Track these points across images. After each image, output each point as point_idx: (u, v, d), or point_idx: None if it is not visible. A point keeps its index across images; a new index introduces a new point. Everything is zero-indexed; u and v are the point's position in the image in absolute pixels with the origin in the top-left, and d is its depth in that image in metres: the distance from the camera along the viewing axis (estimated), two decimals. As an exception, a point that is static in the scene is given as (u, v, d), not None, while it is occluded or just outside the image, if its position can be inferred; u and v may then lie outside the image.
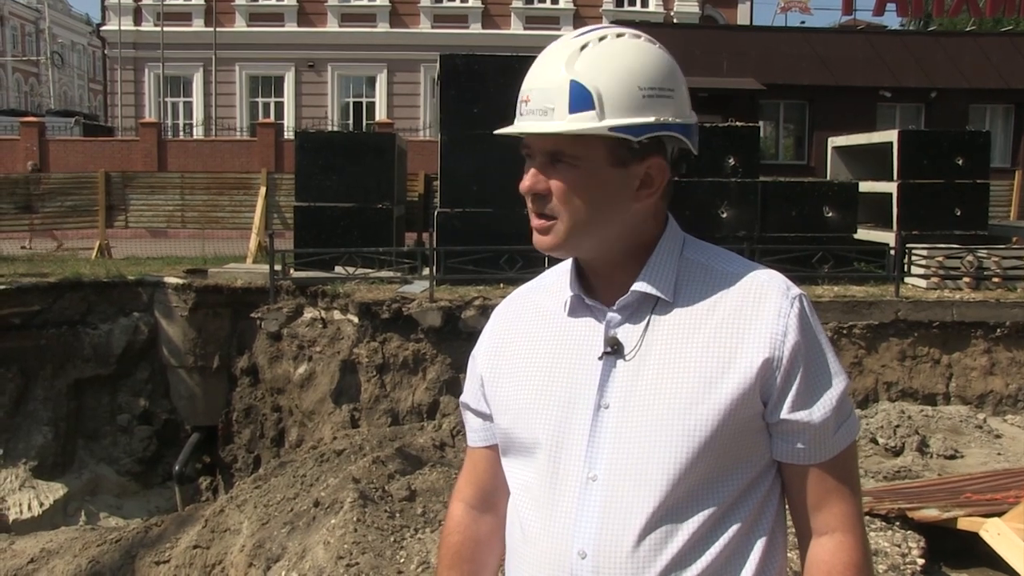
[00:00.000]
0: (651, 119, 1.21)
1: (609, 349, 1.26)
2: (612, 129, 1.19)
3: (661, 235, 1.31)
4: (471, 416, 1.46)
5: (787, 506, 1.33)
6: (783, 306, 1.24)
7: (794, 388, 1.23)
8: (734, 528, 1.23)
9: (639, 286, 1.27)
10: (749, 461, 1.25)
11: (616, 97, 1.20)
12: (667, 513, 1.21)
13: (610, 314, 1.28)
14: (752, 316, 1.24)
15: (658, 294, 1.26)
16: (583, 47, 1.22)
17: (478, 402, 1.43)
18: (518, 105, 1.26)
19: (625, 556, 1.21)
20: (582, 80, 1.20)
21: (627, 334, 1.27)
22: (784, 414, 1.23)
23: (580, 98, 1.19)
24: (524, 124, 1.24)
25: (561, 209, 1.24)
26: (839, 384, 1.26)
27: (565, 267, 1.36)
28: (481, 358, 1.43)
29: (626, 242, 1.28)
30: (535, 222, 1.27)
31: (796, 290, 1.27)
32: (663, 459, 1.20)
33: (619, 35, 1.24)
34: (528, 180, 1.26)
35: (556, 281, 1.37)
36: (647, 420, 1.22)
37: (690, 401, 1.21)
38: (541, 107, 1.22)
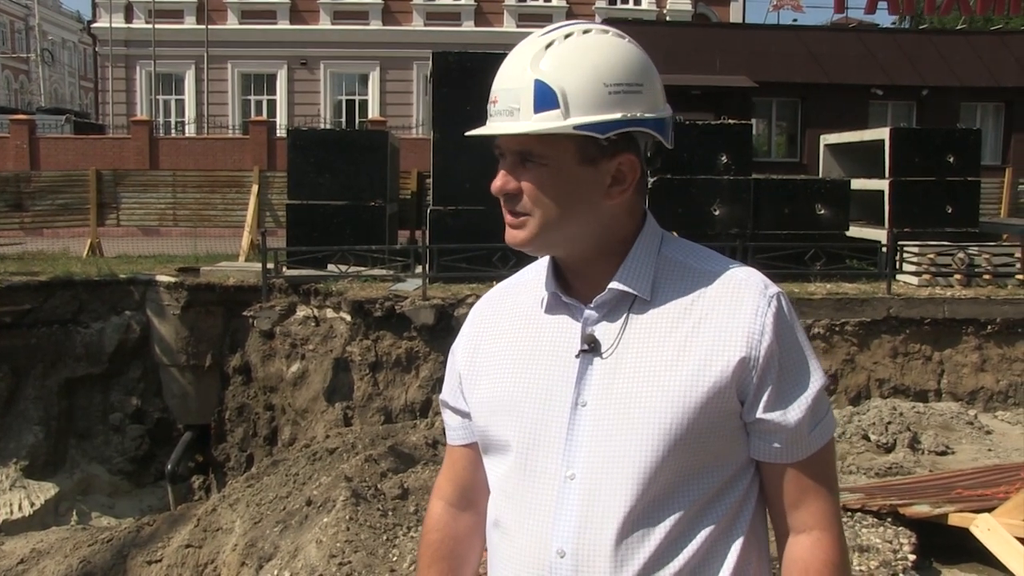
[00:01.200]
0: (618, 116, 1.20)
1: (586, 347, 1.26)
2: (577, 127, 1.19)
3: (639, 232, 1.30)
4: (450, 414, 1.46)
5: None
6: (760, 305, 1.24)
7: (770, 387, 1.23)
8: (713, 525, 1.23)
9: (616, 284, 1.26)
10: (727, 459, 1.25)
11: (581, 95, 1.19)
12: (645, 511, 1.21)
13: (587, 312, 1.28)
14: (729, 315, 1.24)
15: (635, 292, 1.26)
16: (548, 45, 1.22)
17: (456, 400, 1.43)
18: (488, 106, 1.26)
19: (605, 554, 1.21)
20: (546, 79, 1.19)
21: (604, 332, 1.27)
22: (760, 413, 1.24)
23: (544, 97, 1.19)
24: (492, 125, 1.24)
25: (532, 207, 1.24)
26: (815, 383, 1.26)
27: (543, 264, 1.36)
28: (460, 355, 1.42)
29: (601, 239, 1.27)
30: (507, 219, 1.27)
31: (774, 288, 1.27)
32: (640, 457, 1.20)
33: (586, 31, 1.24)
34: (499, 180, 1.26)
35: (534, 278, 1.37)
36: (624, 418, 1.22)
37: (667, 400, 1.21)
38: (507, 107, 1.22)
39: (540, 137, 1.20)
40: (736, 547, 1.25)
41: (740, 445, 1.26)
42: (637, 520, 1.21)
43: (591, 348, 1.26)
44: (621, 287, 1.26)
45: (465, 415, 1.41)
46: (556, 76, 1.19)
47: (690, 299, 1.26)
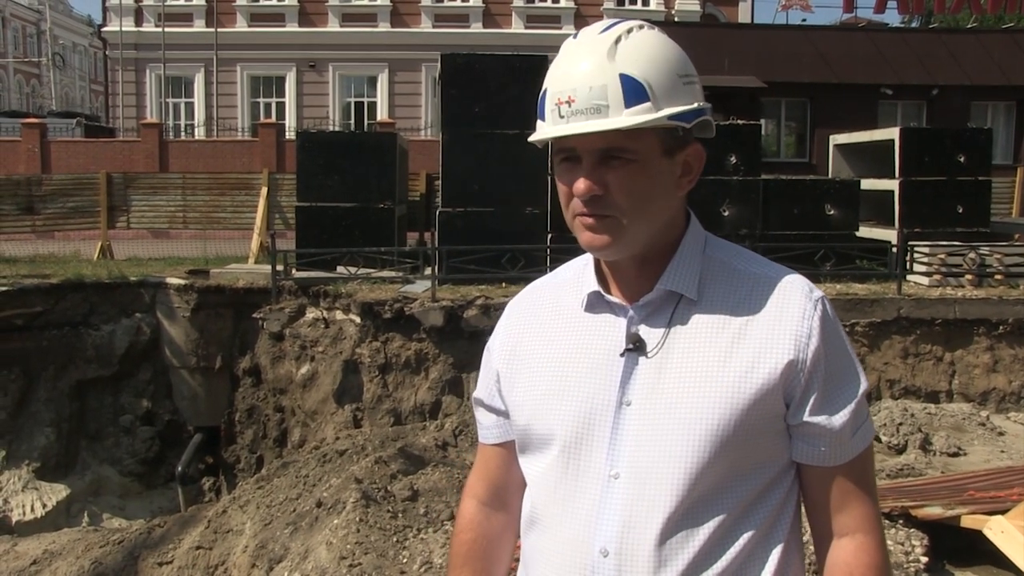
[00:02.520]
0: (694, 105, 1.23)
1: (631, 346, 1.26)
2: (671, 117, 1.19)
3: (684, 232, 1.31)
4: (484, 412, 1.45)
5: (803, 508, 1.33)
6: (807, 308, 1.24)
7: (816, 391, 1.23)
8: (755, 528, 1.23)
9: (665, 284, 1.27)
10: (770, 461, 1.25)
11: (664, 86, 1.20)
12: (689, 511, 1.21)
13: (632, 311, 1.28)
14: (776, 318, 1.24)
15: (684, 292, 1.27)
16: (616, 41, 1.21)
17: (492, 399, 1.42)
18: (555, 108, 1.21)
19: (648, 554, 1.20)
20: (632, 73, 1.19)
21: (649, 332, 1.26)
22: (806, 416, 1.24)
23: (634, 91, 1.19)
24: (578, 125, 1.19)
25: (624, 206, 1.21)
26: (860, 388, 1.27)
27: (582, 263, 1.36)
28: (496, 353, 1.42)
29: (663, 235, 1.28)
30: (587, 221, 1.22)
31: (818, 292, 1.28)
32: (685, 458, 1.20)
33: (640, 27, 1.25)
34: (583, 184, 1.21)
35: (572, 278, 1.37)
36: (670, 419, 1.22)
37: (715, 400, 1.21)
38: (592, 105, 1.18)
39: (630, 133, 1.19)
40: (777, 549, 1.25)
41: (783, 447, 1.26)
42: (681, 520, 1.21)
43: (636, 347, 1.25)
44: (670, 287, 1.27)
45: (501, 413, 1.41)
46: (640, 69, 1.19)
47: (736, 301, 1.26)
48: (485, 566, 1.45)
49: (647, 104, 1.18)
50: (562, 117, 1.21)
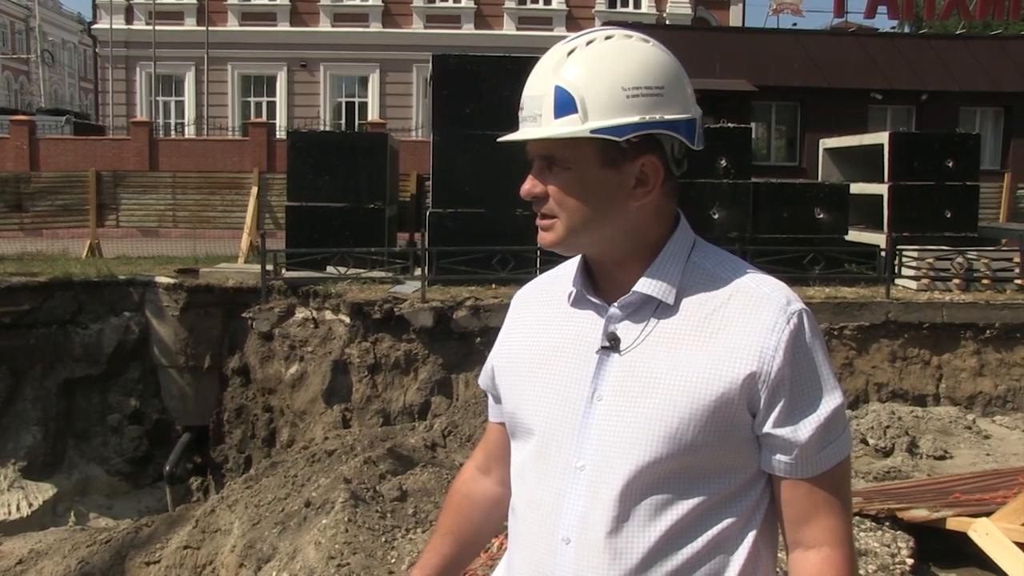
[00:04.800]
0: (635, 119, 1.22)
1: (607, 344, 1.29)
2: (594, 131, 1.21)
3: (669, 236, 1.32)
4: (489, 393, 1.54)
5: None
6: (778, 321, 1.24)
7: (780, 404, 1.24)
8: (719, 528, 1.25)
9: (641, 287, 1.29)
10: (737, 467, 1.26)
11: (599, 99, 1.22)
12: (644, 506, 1.24)
13: (612, 310, 1.31)
14: (746, 328, 1.25)
15: (659, 297, 1.28)
16: (570, 52, 1.25)
17: (488, 383, 1.50)
18: (518, 113, 1.30)
19: (603, 544, 1.24)
20: (565, 85, 1.23)
21: (627, 331, 1.29)
22: (768, 428, 1.24)
23: (564, 103, 1.23)
24: (519, 132, 1.28)
25: (558, 210, 1.28)
26: (830, 403, 1.26)
27: (576, 260, 1.39)
28: (499, 342, 1.49)
29: (629, 241, 1.30)
30: (537, 221, 1.32)
31: (797, 305, 1.27)
32: (645, 456, 1.23)
33: (608, 37, 1.26)
34: (527, 184, 1.30)
35: (569, 273, 1.40)
36: (634, 416, 1.24)
37: (676, 404, 1.23)
38: (532, 114, 1.26)
39: (562, 142, 1.24)
40: (742, 551, 1.26)
41: (750, 456, 1.27)
42: (635, 514, 1.24)
43: (611, 345, 1.29)
44: (645, 290, 1.29)
45: (498, 398, 1.47)
46: (575, 82, 1.23)
47: (712, 308, 1.27)
48: (457, 519, 1.56)
49: (574, 116, 1.22)
50: (520, 122, 1.30)
